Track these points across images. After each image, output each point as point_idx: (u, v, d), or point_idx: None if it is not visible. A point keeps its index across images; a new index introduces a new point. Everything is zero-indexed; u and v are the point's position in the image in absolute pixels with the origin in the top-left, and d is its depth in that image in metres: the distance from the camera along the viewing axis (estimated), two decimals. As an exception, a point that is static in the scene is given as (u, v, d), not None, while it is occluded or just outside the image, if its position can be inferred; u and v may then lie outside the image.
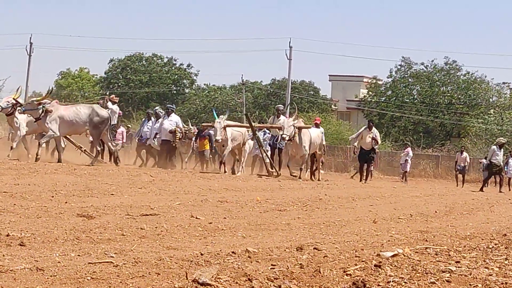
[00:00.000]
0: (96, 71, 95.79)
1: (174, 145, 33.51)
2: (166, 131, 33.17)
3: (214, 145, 33.75)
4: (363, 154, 32.09)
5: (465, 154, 46.62)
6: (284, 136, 26.74)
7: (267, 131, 40.49)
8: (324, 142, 32.74)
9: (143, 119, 35.19)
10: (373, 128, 32.44)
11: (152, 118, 33.98)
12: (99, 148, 26.50)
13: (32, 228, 9.68)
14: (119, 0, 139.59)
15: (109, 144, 26.60)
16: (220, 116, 28.63)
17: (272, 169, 28.57)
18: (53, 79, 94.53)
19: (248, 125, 30.07)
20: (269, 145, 30.65)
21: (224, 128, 27.68)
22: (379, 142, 33.96)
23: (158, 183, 19.12)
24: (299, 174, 28.09)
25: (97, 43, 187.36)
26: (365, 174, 32.62)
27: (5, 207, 11.71)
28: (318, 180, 29.18)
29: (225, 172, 28.05)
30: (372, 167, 34.26)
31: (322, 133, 31.16)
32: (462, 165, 45.39)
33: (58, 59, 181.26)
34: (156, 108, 34.13)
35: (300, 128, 27.76)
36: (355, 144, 32.70)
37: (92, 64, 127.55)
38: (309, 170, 30.50)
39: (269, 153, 29.96)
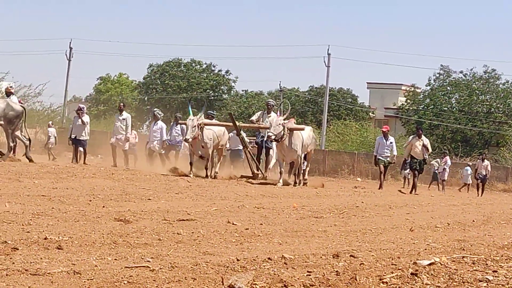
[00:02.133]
0: (135, 77, 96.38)
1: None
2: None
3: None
4: (414, 164, 30.70)
5: (486, 162, 46.02)
6: (270, 134, 23.93)
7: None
8: (317, 142, 32.03)
9: (172, 122, 35.18)
10: (423, 136, 31.16)
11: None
12: (12, 144, 25.61)
13: (69, 231, 9.72)
14: (159, 6, 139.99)
15: (22, 138, 25.96)
16: (200, 114, 25.77)
17: (257, 170, 26.29)
18: (92, 84, 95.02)
19: (232, 124, 26.99)
20: (256, 143, 28.29)
21: (201, 127, 25.18)
22: (430, 150, 32.03)
23: (195, 188, 19.17)
24: (295, 179, 25.65)
25: (136, 49, 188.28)
26: (412, 183, 31.60)
27: (43, 210, 11.77)
28: (304, 184, 26.31)
29: (206, 176, 25.25)
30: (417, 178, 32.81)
31: (313, 132, 28.53)
32: (484, 173, 45.01)
33: (97, 64, 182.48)
34: (155, 110, 34.07)
35: (291, 130, 24.77)
36: (405, 157, 31.86)
37: (131, 69, 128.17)
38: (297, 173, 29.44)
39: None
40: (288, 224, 12.86)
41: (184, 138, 25.90)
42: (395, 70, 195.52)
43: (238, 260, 8.28)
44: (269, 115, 26.34)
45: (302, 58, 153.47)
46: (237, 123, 26.79)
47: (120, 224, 11.08)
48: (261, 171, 26.30)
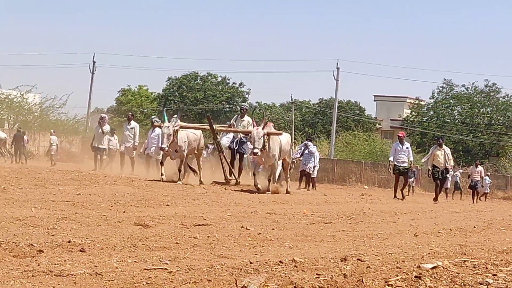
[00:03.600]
0: (154, 89, 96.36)
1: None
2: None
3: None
4: (437, 173, 29.82)
5: (480, 168, 45.78)
6: (255, 151, 22.35)
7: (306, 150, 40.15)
8: (292, 153, 30.99)
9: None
10: (444, 145, 30.69)
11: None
12: None
13: (92, 235, 9.73)
14: (177, 22, 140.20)
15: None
16: (173, 118, 24.37)
17: (231, 176, 24.82)
18: (114, 96, 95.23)
19: (208, 127, 25.37)
20: (229, 148, 26.31)
21: (176, 131, 23.83)
22: (451, 159, 30.86)
23: (210, 195, 19.17)
24: (268, 186, 23.15)
25: (155, 62, 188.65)
26: (439, 191, 30.68)
27: (67, 215, 11.79)
28: (287, 192, 24.06)
29: (179, 179, 23.73)
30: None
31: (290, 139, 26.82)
32: (477, 179, 44.79)
33: (119, 77, 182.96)
34: (153, 117, 34.10)
35: (269, 134, 23.08)
36: (429, 167, 30.25)
37: (151, 82, 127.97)
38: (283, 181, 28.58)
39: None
40: (298, 229, 12.85)
41: (160, 147, 24.39)
42: (401, 83, 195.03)
43: (251, 263, 8.27)
44: (242, 119, 25.75)
45: (312, 72, 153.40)
46: (214, 127, 25.55)
47: (140, 228, 11.09)
48: (235, 176, 24.92)
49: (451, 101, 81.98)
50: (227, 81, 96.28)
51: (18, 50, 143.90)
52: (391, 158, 30.22)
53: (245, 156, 26.13)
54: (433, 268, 8.55)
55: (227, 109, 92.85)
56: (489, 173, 57.87)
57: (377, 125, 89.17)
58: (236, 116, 26.89)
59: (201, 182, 24.29)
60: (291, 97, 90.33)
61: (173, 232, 10.85)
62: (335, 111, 76.93)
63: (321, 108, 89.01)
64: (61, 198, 14.53)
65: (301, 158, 38.18)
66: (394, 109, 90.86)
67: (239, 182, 24.50)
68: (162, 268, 7.63)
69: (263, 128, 22.81)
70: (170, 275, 7.28)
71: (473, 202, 41.11)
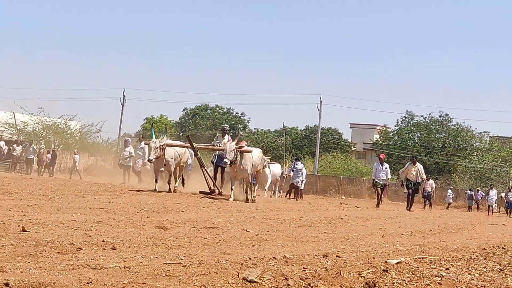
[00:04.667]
0: (172, 117, 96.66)
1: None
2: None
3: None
4: (410, 184, 29.70)
5: (431, 181, 45.77)
6: (226, 161, 21.73)
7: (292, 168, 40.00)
8: (266, 163, 30.46)
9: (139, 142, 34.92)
10: (417, 163, 30.19)
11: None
12: None
13: (121, 236, 9.70)
14: (191, 63, 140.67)
15: None
16: (161, 136, 23.70)
17: (214, 187, 23.24)
18: (140, 123, 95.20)
19: (189, 145, 23.95)
20: (212, 162, 25.70)
21: (164, 148, 22.90)
22: (423, 174, 30.52)
23: (217, 203, 19.12)
24: (246, 197, 22.26)
25: (174, 96, 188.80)
26: (409, 202, 30.27)
27: (101, 219, 11.76)
28: (252, 200, 22.62)
29: (169, 190, 22.83)
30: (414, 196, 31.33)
31: (262, 154, 25.14)
32: (429, 190, 44.77)
33: (144, 107, 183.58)
34: (126, 138, 34.02)
35: (242, 152, 22.36)
36: (403, 179, 30.32)
37: (170, 111, 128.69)
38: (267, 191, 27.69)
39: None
40: (288, 231, 12.82)
41: (147, 159, 23.66)
42: (371, 113, 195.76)
43: (250, 258, 8.24)
44: (223, 137, 24.60)
45: (300, 104, 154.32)
46: (194, 145, 24.00)
47: (160, 230, 11.05)
48: (217, 188, 23.35)
49: (412, 128, 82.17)
50: (232, 111, 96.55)
51: (62, 86, 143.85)
52: (373, 177, 29.99)
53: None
54: (397, 263, 8.54)
55: (231, 134, 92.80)
56: (451, 187, 58.03)
57: (352, 148, 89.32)
58: (218, 135, 25.69)
59: (174, 191, 23.09)
60: (283, 124, 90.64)
61: (187, 234, 10.82)
62: (319, 136, 76.94)
63: (307, 133, 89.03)
64: (97, 206, 14.50)
65: (291, 174, 38.15)
66: (366, 135, 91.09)
67: (222, 192, 23.30)
68: (178, 263, 7.60)
69: (236, 144, 22.16)
70: (184, 268, 7.25)
71: (423, 208, 41.00)
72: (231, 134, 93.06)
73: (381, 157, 30.60)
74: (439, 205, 52.22)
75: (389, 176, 30.00)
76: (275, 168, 36.64)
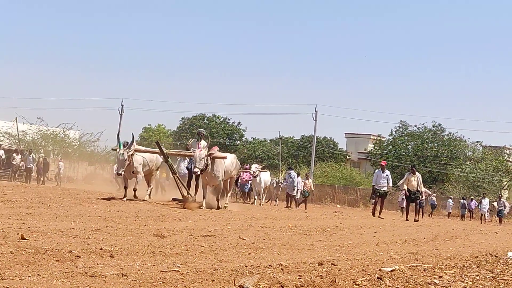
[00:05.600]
0: (170, 127, 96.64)
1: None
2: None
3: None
4: (410, 195, 29.17)
5: (424, 189, 45.75)
6: (195, 170, 20.48)
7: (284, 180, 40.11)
8: (240, 168, 29.15)
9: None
10: (416, 172, 29.52)
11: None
12: None
13: (119, 244, 9.70)
14: (187, 73, 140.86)
15: None
16: (128, 144, 22.10)
17: (187, 194, 21.75)
18: (138, 133, 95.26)
19: (159, 151, 22.50)
20: (187, 168, 24.21)
21: (132, 155, 21.58)
22: (421, 183, 29.74)
23: (214, 212, 19.13)
24: (217, 204, 21.22)
25: (171, 106, 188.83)
26: (415, 212, 29.83)
27: (99, 228, 11.75)
28: (223, 207, 21.73)
29: (135, 197, 21.45)
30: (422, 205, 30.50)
31: (236, 160, 24.11)
32: (422, 198, 44.89)
33: (142, 117, 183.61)
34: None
35: (214, 158, 21.10)
36: (403, 187, 29.61)
37: (167, 121, 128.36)
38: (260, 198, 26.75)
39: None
40: (284, 240, 12.81)
41: (116, 173, 22.00)
42: (366, 123, 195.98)
43: (246, 266, 8.24)
44: (199, 142, 22.66)
45: (296, 114, 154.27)
46: (165, 151, 22.55)
47: (158, 238, 11.05)
48: (191, 195, 21.76)
49: (406, 138, 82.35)
50: (228, 121, 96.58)
51: (61, 96, 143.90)
52: (373, 183, 29.40)
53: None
54: (391, 271, 8.54)
55: (228, 143, 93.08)
56: (452, 196, 58.17)
57: (347, 157, 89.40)
58: (193, 139, 23.96)
59: (135, 196, 21.54)
60: (279, 134, 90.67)
61: (184, 242, 10.81)
62: (314, 145, 76.98)
63: (302, 142, 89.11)
64: (95, 214, 14.49)
65: (285, 183, 38.27)
66: (360, 144, 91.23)
67: (195, 199, 21.58)
68: (175, 270, 7.60)
69: (207, 152, 20.89)
70: (181, 276, 7.25)
71: (416, 216, 40.88)
72: (227, 143, 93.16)
73: (383, 164, 30.06)
74: (437, 214, 52.20)
75: (391, 184, 29.41)
76: (265, 176, 36.73)
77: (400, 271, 8.65)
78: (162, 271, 7.53)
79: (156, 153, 22.87)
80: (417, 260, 10.61)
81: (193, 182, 22.94)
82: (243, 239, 12.08)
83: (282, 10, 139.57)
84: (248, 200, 35.94)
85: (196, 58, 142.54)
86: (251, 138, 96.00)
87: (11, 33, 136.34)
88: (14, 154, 46.78)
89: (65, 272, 7.02)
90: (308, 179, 40.53)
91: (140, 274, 7.21)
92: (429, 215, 43.65)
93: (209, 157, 20.84)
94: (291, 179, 36.99)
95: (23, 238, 9.37)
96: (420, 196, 29.95)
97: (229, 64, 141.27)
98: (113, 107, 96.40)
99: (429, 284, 7.69)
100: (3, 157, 45.76)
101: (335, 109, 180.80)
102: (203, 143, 22.65)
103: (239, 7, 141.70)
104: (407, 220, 28.59)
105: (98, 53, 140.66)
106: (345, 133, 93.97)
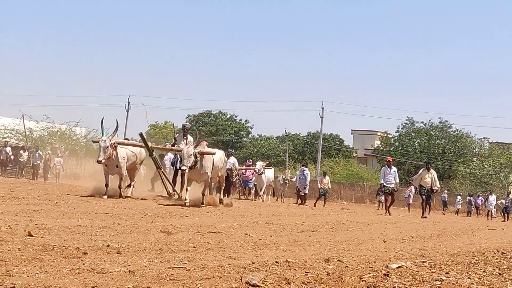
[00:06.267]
0: (176, 124, 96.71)
1: (230, 179, 33.32)
2: (225, 169, 32.95)
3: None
4: (423, 191, 28.41)
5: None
6: (184, 168, 19.24)
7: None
8: (229, 166, 28.87)
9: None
10: (431, 169, 29.01)
11: (231, 157, 33.67)
12: None
13: (126, 240, 9.71)
14: (193, 70, 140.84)
15: None
16: (108, 134, 20.80)
17: (173, 191, 21.43)
18: (145, 130, 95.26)
19: (143, 144, 21.69)
20: (172, 165, 23.42)
21: (115, 147, 20.18)
22: (437, 181, 28.93)
23: (221, 209, 19.13)
24: (202, 200, 19.58)
25: (177, 102, 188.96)
26: (427, 208, 29.01)
27: (106, 224, 11.77)
28: (221, 203, 21.01)
29: (120, 196, 20.21)
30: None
31: (224, 157, 23.28)
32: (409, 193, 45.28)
33: (148, 114, 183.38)
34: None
35: (202, 154, 19.93)
36: (416, 185, 29.08)
37: (174, 118, 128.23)
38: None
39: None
40: (291, 236, 12.82)
41: (96, 160, 20.09)
42: (373, 120, 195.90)
43: (253, 263, 8.25)
44: (185, 137, 22.06)
45: (302, 111, 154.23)
46: (150, 144, 21.80)
47: (164, 235, 11.05)
48: (176, 192, 21.30)
49: (412, 134, 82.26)
50: (235, 118, 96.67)
51: (67, 93, 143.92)
52: (381, 180, 29.25)
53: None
54: (398, 267, 8.54)
55: (235, 140, 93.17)
56: (461, 193, 58.17)
57: (353, 154, 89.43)
58: (179, 134, 23.08)
59: (121, 195, 20.30)
60: (285, 130, 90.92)
61: (191, 238, 10.82)
62: (320, 142, 77.04)
63: (309, 139, 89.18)
64: (102, 211, 14.51)
65: (294, 180, 38.33)
66: (367, 141, 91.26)
67: (181, 196, 20.68)
68: (182, 267, 7.60)
69: (195, 147, 19.76)
70: (188, 273, 7.25)
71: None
72: (234, 140, 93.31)
73: (389, 160, 29.97)
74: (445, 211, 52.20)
75: (397, 180, 29.23)
76: (269, 173, 36.92)
77: (406, 267, 8.65)
78: (169, 267, 7.54)
79: (141, 146, 21.81)
80: (423, 256, 10.60)
81: (178, 178, 21.95)
82: (249, 235, 12.09)
83: (288, 8, 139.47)
84: (251, 196, 35.95)
85: (202, 55, 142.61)
86: (258, 135, 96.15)
87: (16, 28, 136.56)
88: (21, 151, 46.85)
89: (73, 269, 7.04)
90: (325, 176, 40.53)
91: (147, 270, 7.22)
92: (443, 213, 43.76)
93: (198, 154, 19.68)
94: (304, 177, 36.97)
95: (30, 235, 9.39)
96: (434, 192, 29.48)
97: (236, 61, 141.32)
98: (120, 104, 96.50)
99: (436, 280, 7.69)
100: (10, 154, 45.84)
101: (342, 106, 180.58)
102: (190, 138, 21.98)
103: (243, 3, 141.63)
104: (424, 217, 27.85)
105: (105, 50, 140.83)
106: (352, 130, 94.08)
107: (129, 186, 21.70)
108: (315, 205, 35.65)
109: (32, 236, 9.37)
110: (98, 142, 20.43)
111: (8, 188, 20.39)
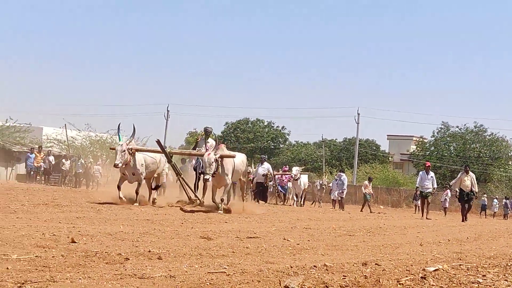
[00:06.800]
0: (215, 131, 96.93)
1: (265, 185, 33.38)
2: (260, 175, 32.97)
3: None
4: (463, 195, 27.97)
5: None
6: (206, 177, 18.51)
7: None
8: (251, 170, 29.02)
9: (258, 163, 34.82)
10: (470, 172, 28.42)
11: (265, 163, 33.78)
12: None
13: (167, 246, 9.74)
14: (232, 79, 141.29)
15: None
16: (124, 138, 19.92)
17: (194, 197, 20.39)
18: (184, 137, 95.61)
19: (161, 151, 20.74)
20: (194, 169, 22.03)
21: (132, 153, 19.55)
22: (475, 184, 28.30)
23: (259, 215, 19.13)
24: (221, 205, 18.89)
25: (216, 110, 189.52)
26: (466, 212, 28.26)
27: (147, 231, 11.83)
28: (227, 210, 19.23)
29: (136, 201, 19.36)
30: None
31: (246, 160, 22.65)
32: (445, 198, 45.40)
33: (187, 122, 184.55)
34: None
35: (222, 157, 19.15)
36: (456, 189, 28.38)
37: (212, 125, 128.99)
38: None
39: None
40: (328, 241, 12.79)
41: (114, 164, 19.55)
42: (408, 125, 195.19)
43: (291, 267, 8.23)
44: (207, 140, 20.79)
45: (338, 117, 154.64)
46: (167, 150, 21.27)
47: (204, 240, 11.08)
48: (197, 197, 20.31)
49: (448, 139, 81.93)
50: (272, 125, 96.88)
51: (108, 102, 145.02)
52: (418, 185, 29.16)
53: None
54: (435, 270, 8.48)
55: (272, 147, 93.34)
56: (497, 196, 57.83)
57: (389, 158, 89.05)
58: (201, 138, 22.31)
59: (136, 200, 19.52)
60: (322, 136, 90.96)
61: (230, 243, 10.84)
62: (357, 148, 76.86)
63: (345, 145, 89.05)
64: (143, 217, 14.59)
65: (330, 185, 38.39)
66: (403, 146, 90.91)
67: (203, 202, 20.05)
68: (221, 272, 7.61)
69: (215, 153, 19.01)
70: (228, 277, 7.26)
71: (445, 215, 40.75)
72: (271, 146, 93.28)
73: (427, 165, 29.73)
74: (458, 212, 51.73)
75: (435, 186, 28.97)
76: (304, 178, 37.25)
77: (443, 270, 8.59)
78: (209, 272, 7.55)
79: (158, 152, 20.88)
80: (460, 259, 10.52)
81: (200, 183, 20.78)
82: (288, 240, 12.07)
83: (323, 19, 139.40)
84: (287, 202, 36.03)
85: (239, 63, 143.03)
86: (295, 141, 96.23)
87: (59, 42, 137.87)
88: (64, 160, 47.28)
89: (115, 274, 7.07)
90: (370, 182, 40.75)
91: (188, 275, 7.24)
92: (483, 216, 43.66)
93: (218, 160, 18.95)
94: (341, 182, 37.07)
95: (73, 242, 9.46)
96: (474, 196, 28.94)
97: (272, 69, 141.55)
98: (159, 113, 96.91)
99: (473, 283, 7.63)
100: (53, 162, 46.26)
101: (378, 111, 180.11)
102: (210, 141, 20.98)
103: (277, 14, 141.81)
104: (464, 220, 27.59)
105: (144, 59, 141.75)
106: (388, 135, 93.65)
107: (155, 188, 21.27)
108: (370, 211, 35.63)
109: (75, 242, 9.44)
110: (114, 149, 19.86)
111: (52, 196, 20.57)
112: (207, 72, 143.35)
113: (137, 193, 19.59)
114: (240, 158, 20.76)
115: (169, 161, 20.86)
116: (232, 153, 20.29)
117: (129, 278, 6.93)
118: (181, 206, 19.42)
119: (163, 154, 20.89)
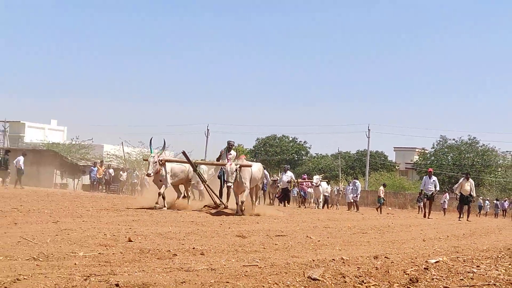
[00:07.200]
0: (247, 146, 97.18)
1: (289, 190, 33.40)
2: (284, 182, 32.97)
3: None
4: (463, 199, 28.28)
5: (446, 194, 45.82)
6: (229, 185, 18.13)
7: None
8: (268, 179, 28.93)
9: (281, 172, 34.78)
10: (470, 178, 28.61)
11: (288, 171, 33.79)
12: None
13: (208, 243, 9.76)
14: (261, 101, 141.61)
15: None
16: (155, 151, 19.22)
17: (219, 201, 19.79)
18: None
19: (187, 161, 19.91)
20: (218, 177, 21.23)
21: (163, 163, 19.10)
22: (474, 189, 28.62)
23: (286, 217, 19.09)
24: (237, 208, 18.43)
25: (247, 128, 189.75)
26: (466, 213, 28.64)
27: (192, 230, 11.85)
28: (241, 213, 18.42)
29: (164, 206, 18.60)
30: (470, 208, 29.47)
31: (264, 168, 22.14)
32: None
33: (225, 139, 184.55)
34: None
35: (241, 166, 18.71)
36: (457, 192, 28.63)
37: (245, 141, 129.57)
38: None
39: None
40: (345, 238, 12.74)
41: (146, 173, 19.47)
42: (411, 138, 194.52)
43: (313, 260, 8.22)
44: (229, 152, 20.31)
45: (352, 132, 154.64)
46: (193, 160, 20.26)
47: (240, 238, 11.08)
48: (222, 202, 19.73)
49: (446, 150, 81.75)
50: (296, 140, 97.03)
51: (159, 123, 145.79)
52: (422, 188, 28.89)
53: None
54: (436, 262, 8.44)
55: (296, 159, 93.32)
56: (489, 198, 57.62)
57: (396, 167, 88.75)
58: (224, 149, 21.12)
59: (157, 202, 18.79)
60: (338, 149, 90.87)
61: (261, 241, 10.83)
62: (368, 158, 76.64)
63: (358, 156, 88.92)
64: (188, 219, 14.62)
65: (349, 188, 38.33)
66: (407, 156, 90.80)
67: (227, 206, 19.50)
68: (254, 265, 7.61)
69: (236, 164, 18.70)
70: (259, 270, 7.26)
71: (467, 217, 40.30)
72: (296, 158, 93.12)
73: (430, 171, 29.60)
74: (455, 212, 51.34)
75: (438, 188, 28.82)
76: (324, 185, 37.61)
77: (443, 262, 8.54)
78: (243, 265, 7.55)
79: (185, 162, 20.11)
80: (457, 252, 10.45)
81: (224, 190, 20.01)
82: (310, 237, 12.05)
83: (338, 39, 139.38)
84: (309, 205, 36.27)
85: (267, 86, 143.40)
86: (315, 153, 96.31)
87: (113, 71, 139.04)
88: (121, 172, 47.67)
89: (165, 268, 7.10)
90: (384, 187, 40.90)
91: (226, 268, 7.25)
92: (479, 216, 43.53)
93: (238, 169, 18.55)
94: (355, 188, 37.15)
95: (130, 241, 9.51)
96: (473, 200, 28.97)
97: (296, 90, 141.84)
98: (200, 132, 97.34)
99: (468, 272, 7.58)
100: (113, 174, 46.54)
101: (386, 127, 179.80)
102: (232, 153, 20.51)
103: (294, 38, 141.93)
104: (460, 219, 27.84)
105: (186, 84, 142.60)
106: (394, 147, 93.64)
107: (183, 198, 20.69)
108: (380, 212, 35.45)
109: (132, 241, 9.48)
110: (147, 160, 19.37)
111: (111, 202, 20.68)
112: (240, 94, 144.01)
113: (159, 194, 18.90)
114: (257, 167, 20.16)
115: (195, 170, 20.18)
116: (249, 163, 19.73)
117: (177, 271, 6.95)
118: (207, 210, 19.22)
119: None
